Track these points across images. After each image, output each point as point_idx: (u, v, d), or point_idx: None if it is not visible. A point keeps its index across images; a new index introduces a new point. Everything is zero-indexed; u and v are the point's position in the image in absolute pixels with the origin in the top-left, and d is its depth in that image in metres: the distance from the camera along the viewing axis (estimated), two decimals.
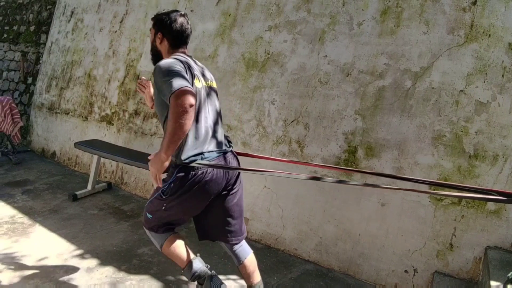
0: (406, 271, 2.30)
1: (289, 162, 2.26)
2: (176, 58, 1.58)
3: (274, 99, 2.85)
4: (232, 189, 1.74)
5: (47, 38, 5.28)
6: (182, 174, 1.57)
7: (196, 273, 1.73)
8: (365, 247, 2.44)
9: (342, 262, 2.52)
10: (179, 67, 1.51)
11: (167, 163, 1.50)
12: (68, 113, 4.57)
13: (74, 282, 2.13)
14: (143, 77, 1.98)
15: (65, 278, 2.16)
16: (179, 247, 1.74)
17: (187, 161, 1.55)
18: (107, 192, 3.69)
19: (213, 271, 1.79)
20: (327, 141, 2.60)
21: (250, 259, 1.83)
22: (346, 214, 2.51)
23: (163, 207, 1.64)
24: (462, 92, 2.18)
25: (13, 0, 6.16)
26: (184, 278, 2.13)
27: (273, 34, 2.91)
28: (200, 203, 1.67)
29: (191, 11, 3.42)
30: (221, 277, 2.31)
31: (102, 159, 3.70)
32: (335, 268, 2.54)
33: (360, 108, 2.49)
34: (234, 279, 2.31)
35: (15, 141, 4.61)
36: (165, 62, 1.54)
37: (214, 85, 1.78)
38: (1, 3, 6.40)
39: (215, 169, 1.59)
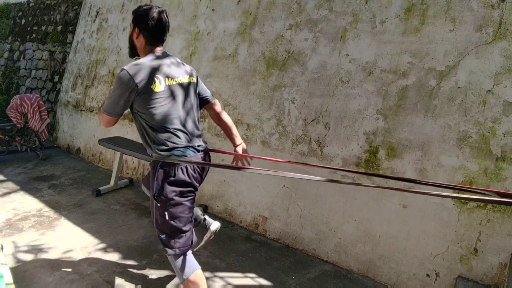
0: (427, 275, 2.25)
1: (272, 160, 2.22)
2: (140, 64, 1.57)
3: (294, 98, 2.84)
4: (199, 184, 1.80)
5: (73, 37, 5.46)
6: (162, 171, 1.59)
7: None
8: (385, 249, 2.40)
9: (361, 264, 2.49)
10: (126, 87, 1.51)
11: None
12: (92, 111, 4.71)
13: (97, 275, 2.20)
14: None
15: (89, 270, 2.24)
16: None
17: (164, 155, 1.59)
18: (129, 188, 3.79)
19: None
20: (348, 141, 2.57)
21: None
22: (366, 215, 2.48)
23: (167, 216, 1.62)
24: (490, 92, 2.11)
25: (41, 1, 6.39)
26: None
27: (294, 33, 2.90)
28: (188, 195, 1.66)
29: (213, 10, 3.46)
30: (238, 274, 2.35)
31: (124, 156, 3.80)
32: (354, 270, 2.51)
33: (382, 108, 2.45)
34: (252, 277, 2.32)
35: (42, 137, 4.80)
36: (121, 75, 1.53)
37: (187, 80, 1.72)
38: (30, 4, 6.65)
39: (192, 165, 1.62)
